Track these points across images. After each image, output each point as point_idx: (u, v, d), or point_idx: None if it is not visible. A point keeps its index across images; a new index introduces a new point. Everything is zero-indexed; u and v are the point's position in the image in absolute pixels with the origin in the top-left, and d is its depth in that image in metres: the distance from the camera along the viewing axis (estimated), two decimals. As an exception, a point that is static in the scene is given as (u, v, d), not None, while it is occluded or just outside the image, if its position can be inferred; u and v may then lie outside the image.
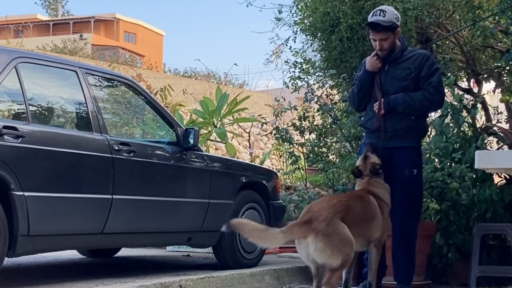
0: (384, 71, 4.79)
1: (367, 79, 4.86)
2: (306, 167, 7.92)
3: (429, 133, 7.04)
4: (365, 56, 6.96)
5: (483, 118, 7.63)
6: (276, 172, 6.82)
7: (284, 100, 7.56)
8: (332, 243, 3.96)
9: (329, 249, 3.94)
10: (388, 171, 4.66)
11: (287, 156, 7.89)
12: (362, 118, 5.04)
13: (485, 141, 6.24)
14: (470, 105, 6.58)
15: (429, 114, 7.32)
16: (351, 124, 6.54)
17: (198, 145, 5.61)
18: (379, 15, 4.79)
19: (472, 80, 8.02)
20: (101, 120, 4.86)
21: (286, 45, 8.35)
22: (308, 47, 8.03)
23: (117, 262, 6.40)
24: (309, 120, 7.26)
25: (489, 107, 7.87)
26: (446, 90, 7.02)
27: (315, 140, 7.19)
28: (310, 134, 7.39)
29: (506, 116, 7.90)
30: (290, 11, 8.06)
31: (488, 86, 8.31)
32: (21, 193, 4.11)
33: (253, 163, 7.91)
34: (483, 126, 6.99)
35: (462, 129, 6.20)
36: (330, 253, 3.94)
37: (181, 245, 6.78)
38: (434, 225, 5.60)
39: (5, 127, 4.12)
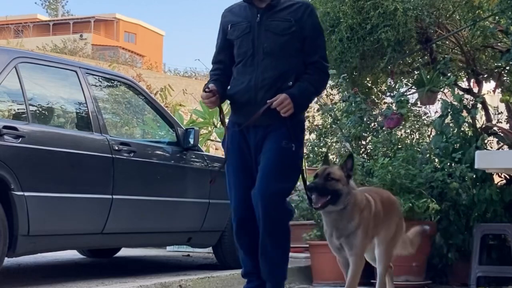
0: (255, 23, 3.65)
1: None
2: (306, 167, 7.92)
3: (429, 133, 7.06)
4: (365, 56, 7.01)
5: (483, 118, 7.62)
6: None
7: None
8: None
9: None
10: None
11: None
12: (229, 87, 3.74)
13: (485, 141, 6.25)
14: (470, 105, 6.58)
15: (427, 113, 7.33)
16: (351, 124, 6.54)
17: (198, 145, 5.61)
18: None
19: (472, 80, 8.01)
20: (101, 120, 4.87)
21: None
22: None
23: (117, 262, 6.40)
24: (309, 120, 7.25)
25: (489, 107, 7.87)
26: (446, 90, 7.08)
27: (315, 140, 7.19)
28: (310, 134, 7.38)
29: (506, 116, 7.89)
30: (290, 11, 8.05)
31: (488, 86, 8.30)
32: (21, 193, 4.11)
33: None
34: (483, 126, 6.99)
35: (462, 129, 6.20)
36: None
37: (181, 245, 6.78)
38: (434, 225, 5.60)
39: (5, 127, 4.12)
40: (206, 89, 3.58)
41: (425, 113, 7.38)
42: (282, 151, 3.55)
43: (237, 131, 3.66)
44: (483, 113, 7.56)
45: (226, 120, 3.84)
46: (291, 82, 3.60)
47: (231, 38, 3.70)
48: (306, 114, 7.24)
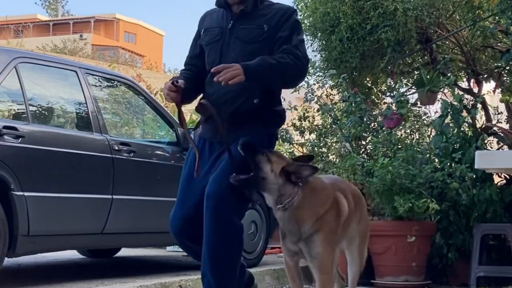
0: (227, 29, 3.30)
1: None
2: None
3: (429, 133, 7.05)
4: (365, 56, 7.01)
5: (483, 118, 7.62)
6: (276, 172, 6.80)
7: (284, 100, 7.53)
8: None
9: None
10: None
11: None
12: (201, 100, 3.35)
13: (485, 141, 6.24)
14: (470, 105, 6.58)
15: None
16: (351, 124, 6.53)
17: (198, 145, 5.61)
18: None
19: (472, 80, 8.01)
20: (101, 120, 4.87)
21: (286, 45, 8.34)
22: (308, 47, 8.03)
23: (117, 262, 6.40)
24: (309, 120, 7.25)
25: (489, 107, 7.87)
26: (446, 90, 7.08)
27: (315, 140, 7.19)
28: (310, 134, 7.38)
29: (506, 116, 7.89)
30: (290, 11, 8.05)
31: (488, 86, 8.30)
32: (21, 193, 4.12)
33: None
34: (483, 126, 6.98)
35: (462, 129, 6.20)
36: None
37: (181, 245, 6.77)
38: (434, 225, 5.60)
39: (5, 127, 4.13)
40: (174, 81, 3.17)
41: (425, 113, 7.38)
42: (234, 159, 3.12)
43: (200, 142, 3.37)
44: (483, 113, 7.56)
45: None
46: (257, 99, 3.19)
47: (202, 44, 3.38)
48: (306, 114, 7.26)
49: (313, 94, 6.90)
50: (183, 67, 3.52)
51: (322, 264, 3.10)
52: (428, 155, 6.07)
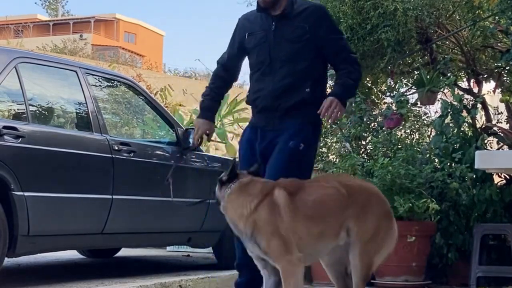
0: (271, 31, 3.74)
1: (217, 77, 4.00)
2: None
3: (429, 133, 7.05)
4: (365, 56, 7.00)
5: (483, 118, 7.62)
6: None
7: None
8: None
9: None
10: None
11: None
12: (248, 93, 3.95)
13: (485, 141, 6.24)
14: (470, 105, 6.58)
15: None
16: (351, 124, 6.54)
17: (198, 145, 5.61)
18: None
19: (472, 80, 8.01)
20: (101, 120, 4.87)
21: (286, 45, 8.34)
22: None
23: (117, 262, 6.40)
24: (309, 120, 7.25)
25: (489, 107, 7.87)
26: (446, 90, 7.08)
27: (315, 140, 7.19)
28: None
29: (506, 116, 7.89)
30: (290, 11, 8.05)
31: (488, 86, 8.30)
32: (21, 193, 4.12)
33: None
34: (483, 126, 6.99)
35: (462, 129, 6.20)
36: None
37: (181, 245, 6.78)
38: (434, 225, 5.60)
39: (5, 127, 4.13)
40: (199, 138, 3.94)
41: (425, 113, 7.38)
42: (288, 151, 3.62)
43: (252, 130, 3.83)
44: (483, 113, 7.56)
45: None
46: (308, 89, 3.70)
47: (248, 47, 3.82)
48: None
49: (313, 94, 6.89)
50: (216, 66, 3.99)
51: (274, 254, 3.15)
52: (428, 155, 6.07)
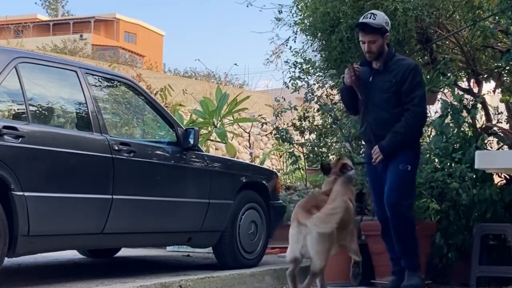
0: (369, 82, 4.90)
1: (346, 91, 5.08)
2: (306, 167, 7.92)
3: (429, 133, 7.05)
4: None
5: (483, 118, 7.63)
6: (276, 172, 6.82)
7: (284, 100, 7.55)
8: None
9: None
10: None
11: (287, 156, 7.89)
12: (359, 126, 5.27)
13: (485, 141, 6.24)
14: (470, 105, 6.58)
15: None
16: (351, 124, 6.54)
17: (198, 145, 5.61)
18: (370, 18, 4.86)
19: (472, 80, 8.02)
20: (101, 120, 4.87)
21: (286, 45, 8.35)
22: (308, 47, 8.03)
23: (117, 262, 6.40)
24: (309, 120, 7.26)
25: (489, 107, 7.87)
26: (446, 90, 7.08)
27: (315, 140, 7.19)
28: (310, 134, 7.38)
29: (506, 116, 7.90)
30: (290, 11, 8.06)
31: (488, 86, 8.31)
32: (21, 193, 4.11)
33: (253, 163, 7.91)
34: (483, 126, 6.99)
35: (462, 129, 6.20)
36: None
37: (181, 245, 6.78)
38: (434, 225, 5.59)
39: (5, 127, 4.12)
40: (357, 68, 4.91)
41: (425, 113, 7.37)
42: (400, 172, 4.75)
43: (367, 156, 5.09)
44: (483, 113, 7.56)
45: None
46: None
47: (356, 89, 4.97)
48: (306, 114, 7.27)
49: (313, 94, 6.90)
50: None
51: None
52: (428, 155, 6.07)
